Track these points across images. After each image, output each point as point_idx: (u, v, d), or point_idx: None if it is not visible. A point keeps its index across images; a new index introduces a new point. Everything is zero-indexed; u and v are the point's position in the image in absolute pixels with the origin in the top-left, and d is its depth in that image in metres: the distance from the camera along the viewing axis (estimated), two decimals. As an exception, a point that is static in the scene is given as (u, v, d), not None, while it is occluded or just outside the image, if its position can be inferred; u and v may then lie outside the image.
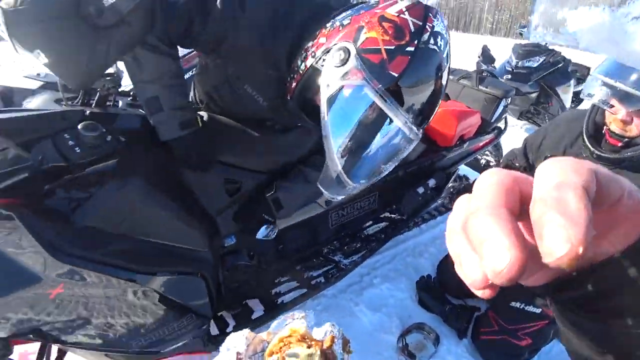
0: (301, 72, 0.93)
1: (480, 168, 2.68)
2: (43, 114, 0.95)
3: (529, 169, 1.67)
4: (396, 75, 0.80)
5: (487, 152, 2.69)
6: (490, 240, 0.18)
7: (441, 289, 1.84)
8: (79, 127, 0.93)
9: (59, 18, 0.76)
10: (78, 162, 0.91)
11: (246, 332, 0.43)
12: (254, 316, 1.44)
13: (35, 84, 1.31)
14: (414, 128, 0.86)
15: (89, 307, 0.96)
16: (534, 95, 3.72)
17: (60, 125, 0.94)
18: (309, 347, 0.41)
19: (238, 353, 0.41)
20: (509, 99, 2.09)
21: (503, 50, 4.64)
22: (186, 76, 1.37)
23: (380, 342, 1.64)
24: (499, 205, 0.19)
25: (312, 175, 1.26)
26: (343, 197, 1.02)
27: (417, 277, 1.92)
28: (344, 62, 0.81)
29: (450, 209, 2.28)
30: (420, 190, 1.79)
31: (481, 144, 2.11)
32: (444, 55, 0.85)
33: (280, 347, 0.41)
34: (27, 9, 0.71)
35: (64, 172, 0.91)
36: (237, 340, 0.43)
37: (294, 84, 0.97)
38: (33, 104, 1.16)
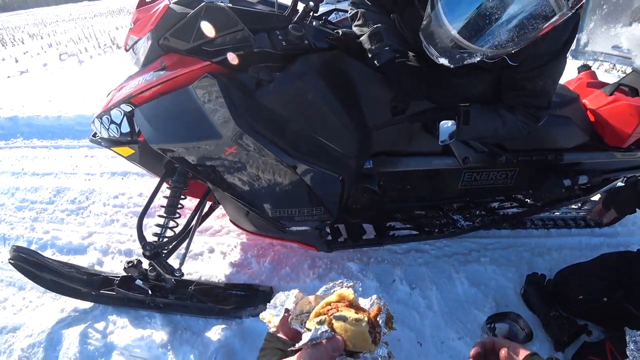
0: None
1: None
2: (265, 13, 1.22)
3: None
4: None
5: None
6: None
7: (553, 294, 1.64)
8: (289, 26, 1.14)
9: None
10: (281, 52, 1.13)
11: (295, 292, 0.46)
12: (364, 237, 1.55)
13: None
14: None
15: (247, 170, 1.20)
16: None
17: (274, 24, 1.17)
18: (356, 313, 0.40)
19: (287, 310, 0.44)
20: None
21: None
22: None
23: (468, 314, 1.58)
24: None
25: (503, 114, 1.30)
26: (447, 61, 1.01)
27: (528, 272, 1.74)
28: None
29: (591, 226, 1.93)
30: (567, 182, 1.55)
31: None
32: None
33: (328, 310, 0.40)
34: None
35: (268, 58, 1.15)
36: (286, 299, 0.45)
37: None
38: None
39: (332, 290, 0.45)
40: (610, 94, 1.68)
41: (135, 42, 1.37)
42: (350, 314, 0.39)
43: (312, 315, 0.41)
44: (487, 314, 1.55)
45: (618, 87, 1.71)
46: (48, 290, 1.55)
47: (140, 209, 2.08)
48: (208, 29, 1.09)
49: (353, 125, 1.26)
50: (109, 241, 1.88)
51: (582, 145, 1.59)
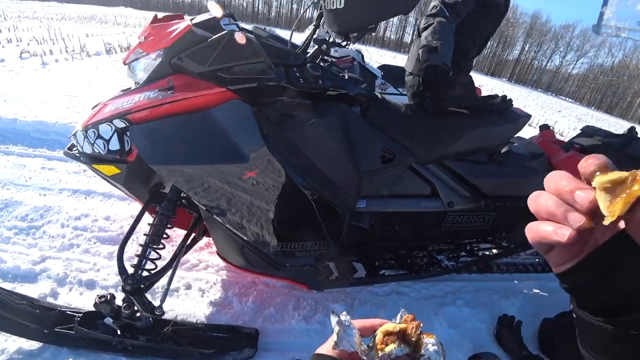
0: None
1: None
2: (284, 49, 1.22)
3: None
4: None
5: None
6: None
7: (540, 342, 1.71)
8: (308, 65, 1.13)
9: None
10: (298, 89, 1.12)
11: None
12: (355, 275, 1.50)
13: (263, 33, 1.59)
14: None
15: (258, 199, 1.14)
16: None
17: (291, 61, 1.16)
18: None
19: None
20: None
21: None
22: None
23: (449, 354, 1.52)
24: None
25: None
26: None
27: (499, 314, 1.79)
28: None
29: (547, 272, 2.09)
30: None
31: None
32: None
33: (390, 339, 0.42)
34: None
35: (283, 92, 1.13)
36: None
37: None
38: None
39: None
40: (567, 151, 1.89)
41: (138, 57, 1.26)
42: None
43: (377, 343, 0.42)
44: (466, 354, 1.55)
45: (572, 145, 1.92)
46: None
47: (106, 235, 1.86)
48: (229, 55, 1.03)
49: (353, 167, 1.29)
50: (66, 269, 1.60)
51: None
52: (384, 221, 1.54)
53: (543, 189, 0.29)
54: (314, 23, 1.21)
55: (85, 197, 2.15)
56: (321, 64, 1.46)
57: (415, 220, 1.58)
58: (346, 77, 1.38)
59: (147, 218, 1.35)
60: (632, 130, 3.47)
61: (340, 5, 1.02)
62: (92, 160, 1.23)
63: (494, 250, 1.86)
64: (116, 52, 7.38)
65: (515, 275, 2.20)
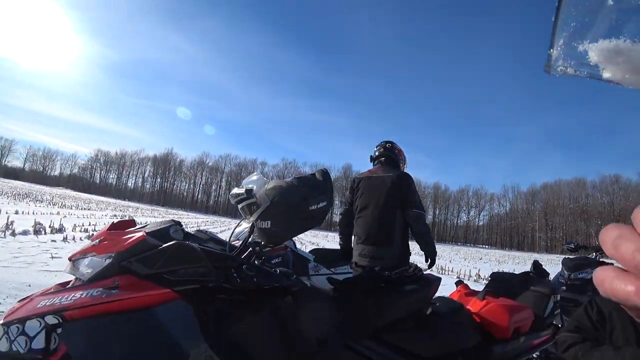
0: None
1: None
2: (223, 254, 1.41)
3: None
4: None
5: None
6: None
7: None
8: (244, 267, 1.33)
9: (291, 212, 1.38)
10: (235, 288, 1.28)
11: None
12: None
13: (204, 236, 1.83)
14: None
15: None
16: None
17: (229, 263, 1.34)
18: None
19: None
20: (558, 295, 2.15)
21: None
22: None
23: None
24: None
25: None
26: None
27: None
28: None
29: None
30: None
31: (538, 340, 2.02)
32: None
33: None
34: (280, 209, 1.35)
35: (223, 292, 1.27)
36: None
37: None
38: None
39: None
40: (483, 299, 2.10)
41: (86, 256, 1.36)
42: None
43: None
44: None
45: (486, 292, 2.16)
46: None
47: None
48: (175, 261, 1.21)
49: (291, 356, 1.34)
50: None
51: (480, 342, 1.83)
52: None
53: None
54: (248, 230, 1.46)
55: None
56: (256, 262, 1.67)
57: None
58: (278, 271, 1.54)
59: None
60: (535, 263, 4.02)
61: (267, 225, 1.34)
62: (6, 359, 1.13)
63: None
64: (45, 233, 7.03)
65: None
